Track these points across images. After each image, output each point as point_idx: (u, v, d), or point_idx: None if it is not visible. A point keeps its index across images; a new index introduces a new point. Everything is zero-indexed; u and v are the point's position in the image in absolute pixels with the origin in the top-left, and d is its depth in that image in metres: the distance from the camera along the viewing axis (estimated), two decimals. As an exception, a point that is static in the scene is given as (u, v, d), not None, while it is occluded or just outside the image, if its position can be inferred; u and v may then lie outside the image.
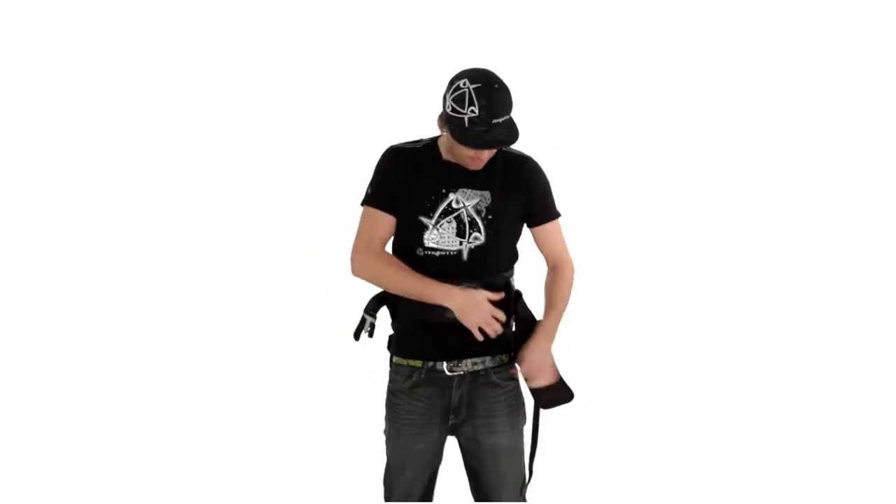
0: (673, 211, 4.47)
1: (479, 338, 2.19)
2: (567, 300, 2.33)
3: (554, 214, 2.34)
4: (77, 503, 3.41)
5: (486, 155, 2.18)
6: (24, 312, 4.30)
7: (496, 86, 2.11)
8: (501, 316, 2.20)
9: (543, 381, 2.28)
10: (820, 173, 4.44)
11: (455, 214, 2.22)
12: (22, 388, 4.09)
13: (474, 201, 2.22)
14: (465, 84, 2.11)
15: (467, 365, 2.26)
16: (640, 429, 3.98)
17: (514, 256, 2.33)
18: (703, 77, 4.44)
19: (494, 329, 2.20)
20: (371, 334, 2.30)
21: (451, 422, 2.29)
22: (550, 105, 4.35)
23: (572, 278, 2.36)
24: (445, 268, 2.22)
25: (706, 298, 4.42)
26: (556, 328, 2.30)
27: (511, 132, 2.13)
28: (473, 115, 2.09)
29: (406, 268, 2.22)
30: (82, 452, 3.74)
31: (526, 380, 2.29)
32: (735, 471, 3.65)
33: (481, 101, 2.08)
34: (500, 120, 2.11)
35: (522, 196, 2.26)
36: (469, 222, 2.22)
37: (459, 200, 2.22)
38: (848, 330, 4.32)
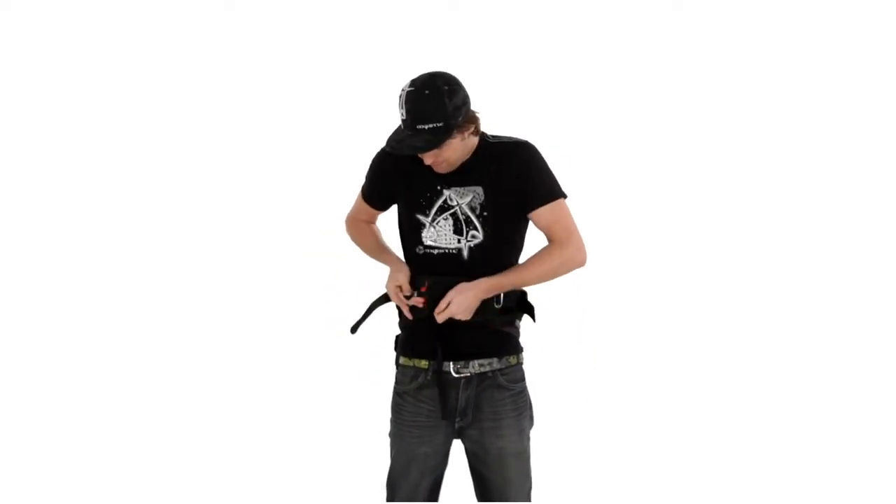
0: (673, 211, 4.47)
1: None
2: (536, 270, 2.18)
3: (551, 196, 2.19)
4: (77, 503, 3.41)
5: (431, 159, 2.14)
6: (23, 313, 4.30)
7: (427, 92, 2.07)
8: (406, 290, 2.20)
9: (445, 314, 2.14)
10: (819, 172, 4.44)
11: (451, 212, 2.20)
12: (22, 389, 4.09)
13: (468, 198, 2.19)
14: (405, 87, 2.11)
15: (474, 366, 2.22)
16: (644, 427, 3.97)
17: (519, 251, 2.26)
18: (703, 77, 4.44)
19: (400, 299, 2.21)
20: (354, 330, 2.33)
21: (457, 425, 2.25)
22: (550, 105, 4.35)
23: (560, 255, 2.18)
24: (446, 266, 2.20)
25: (706, 297, 4.42)
26: (501, 284, 2.17)
27: (433, 140, 2.08)
28: (402, 118, 2.11)
29: (372, 238, 2.43)
30: (82, 453, 3.74)
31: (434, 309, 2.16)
32: (738, 470, 3.65)
33: (407, 105, 2.08)
34: (427, 126, 2.07)
35: (516, 185, 2.18)
36: (465, 220, 2.19)
37: (453, 198, 2.20)
38: (848, 324, 4.32)
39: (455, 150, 2.15)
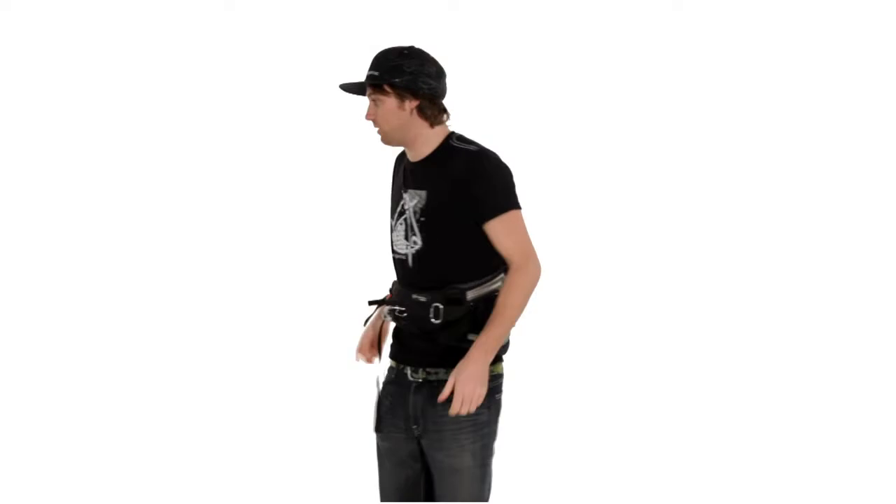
0: (672, 210, 4.47)
1: None
2: (514, 308, 2.06)
3: (501, 208, 2.07)
4: (77, 503, 3.41)
5: (370, 114, 2.14)
6: (27, 314, 4.31)
7: (388, 48, 2.13)
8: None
9: (470, 407, 2.05)
10: (818, 173, 4.44)
11: (405, 216, 2.16)
12: (22, 389, 4.09)
13: (414, 202, 2.14)
14: None
15: (423, 374, 2.16)
16: (632, 433, 3.97)
17: (474, 265, 2.11)
18: (702, 77, 4.44)
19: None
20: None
21: (414, 432, 2.17)
22: (550, 104, 4.35)
23: (526, 282, 2.08)
24: (400, 272, 2.19)
25: (703, 299, 4.42)
26: (492, 344, 2.05)
27: (368, 81, 2.12)
28: None
29: None
30: (84, 452, 3.74)
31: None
32: (729, 473, 3.65)
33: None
34: (368, 73, 2.13)
35: (463, 194, 2.07)
36: (410, 226, 2.14)
37: (407, 201, 2.16)
38: (842, 328, 4.33)
39: (389, 115, 2.11)
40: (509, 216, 2.08)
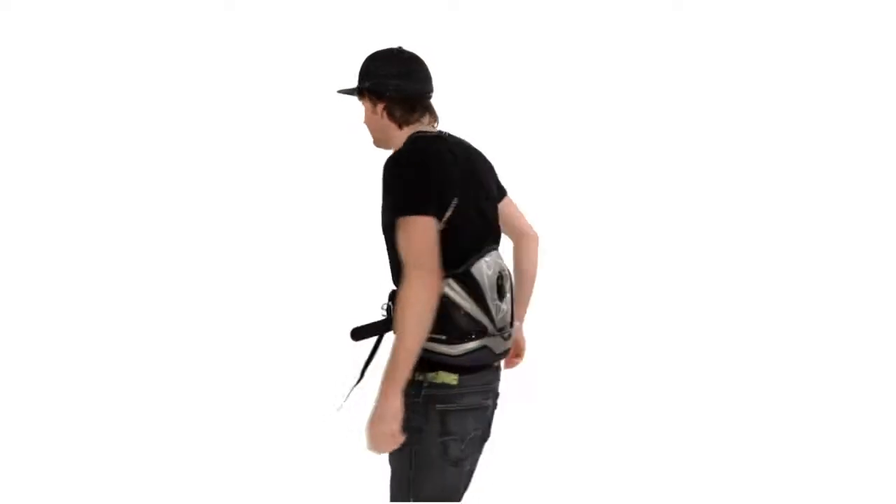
0: (670, 209, 4.47)
1: None
2: (403, 330, 1.87)
3: (393, 214, 1.93)
4: (76, 503, 3.41)
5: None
6: (31, 313, 4.31)
7: (372, 52, 2.13)
8: None
9: (379, 448, 1.95)
10: (818, 173, 4.45)
11: None
12: (23, 389, 4.10)
13: None
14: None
15: None
16: (630, 432, 3.98)
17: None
18: (702, 77, 4.44)
19: None
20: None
21: None
22: (550, 104, 4.35)
23: (407, 300, 1.87)
24: None
25: (699, 297, 4.43)
26: (396, 372, 1.88)
27: (351, 89, 2.15)
28: None
29: None
30: (83, 451, 3.74)
31: None
32: (723, 475, 3.65)
33: None
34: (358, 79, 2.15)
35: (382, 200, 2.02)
36: None
37: None
38: (840, 327, 4.33)
39: (367, 118, 2.13)
40: (401, 223, 1.91)
